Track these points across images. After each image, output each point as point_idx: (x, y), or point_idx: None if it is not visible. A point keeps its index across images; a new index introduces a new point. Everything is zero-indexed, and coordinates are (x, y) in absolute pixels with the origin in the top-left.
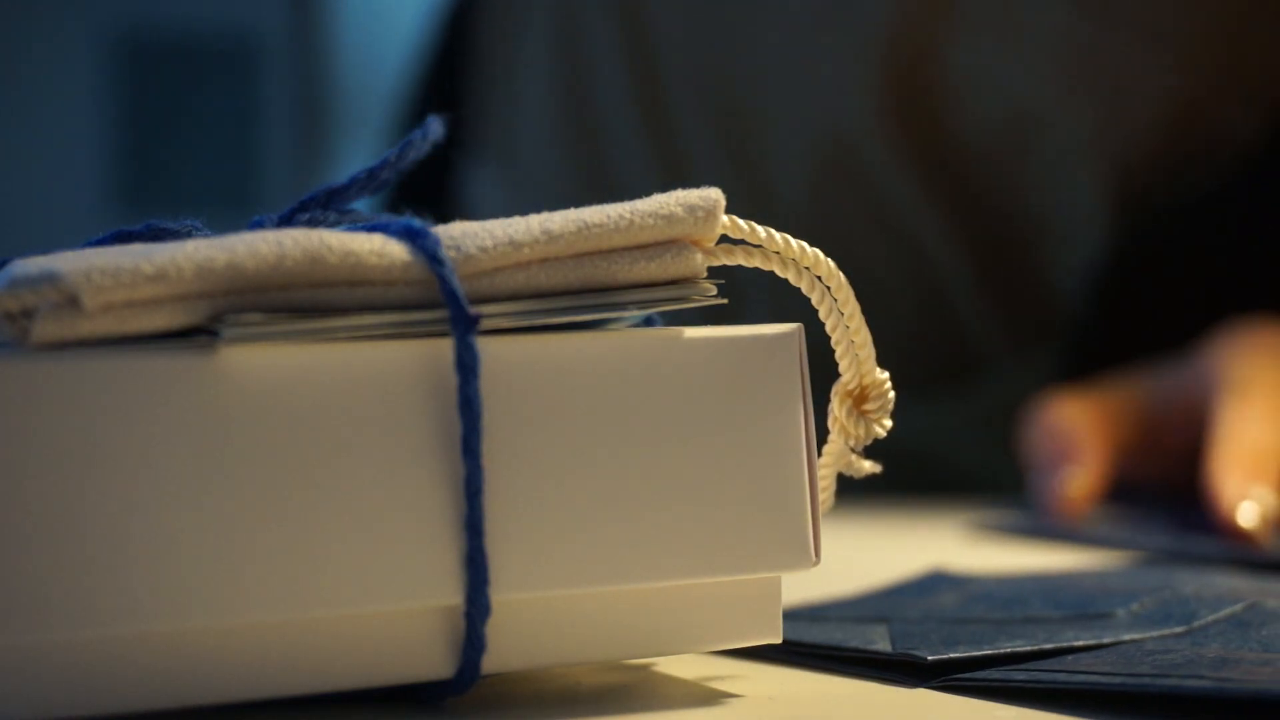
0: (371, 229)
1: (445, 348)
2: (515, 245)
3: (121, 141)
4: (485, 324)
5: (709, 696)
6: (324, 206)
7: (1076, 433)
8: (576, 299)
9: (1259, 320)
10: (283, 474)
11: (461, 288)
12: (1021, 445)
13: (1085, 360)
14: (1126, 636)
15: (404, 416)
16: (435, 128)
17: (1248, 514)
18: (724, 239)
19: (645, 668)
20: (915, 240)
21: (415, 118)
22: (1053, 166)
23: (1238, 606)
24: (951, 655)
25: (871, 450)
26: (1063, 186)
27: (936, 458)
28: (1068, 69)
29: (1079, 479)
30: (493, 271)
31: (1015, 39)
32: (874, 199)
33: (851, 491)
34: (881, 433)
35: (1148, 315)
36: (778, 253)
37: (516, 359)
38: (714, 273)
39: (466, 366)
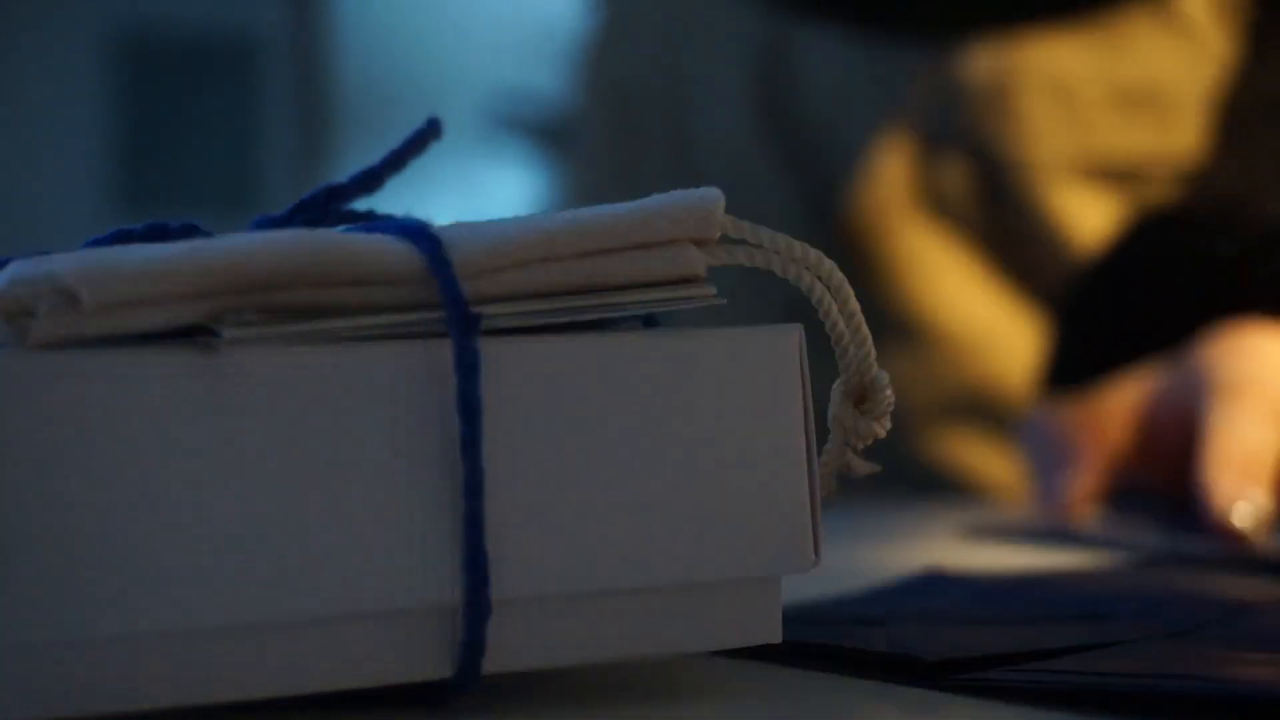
0: (371, 229)
1: (445, 348)
2: (515, 245)
3: (121, 142)
4: (485, 324)
5: (709, 696)
6: (324, 206)
7: (1071, 438)
8: (576, 299)
9: (1246, 322)
10: (282, 474)
11: (461, 288)
12: (1018, 451)
13: (1068, 369)
14: (1125, 637)
15: (404, 416)
16: (435, 127)
17: (1241, 515)
18: (724, 239)
19: (645, 668)
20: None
21: None
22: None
23: (1236, 607)
24: (951, 656)
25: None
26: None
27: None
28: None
29: (1075, 484)
30: (493, 271)
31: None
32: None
33: (849, 491)
34: (881, 433)
35: (1127, 327)
36: (778, 253)
37: (516, 359)
38: (714, 273)
39: (466, 366)
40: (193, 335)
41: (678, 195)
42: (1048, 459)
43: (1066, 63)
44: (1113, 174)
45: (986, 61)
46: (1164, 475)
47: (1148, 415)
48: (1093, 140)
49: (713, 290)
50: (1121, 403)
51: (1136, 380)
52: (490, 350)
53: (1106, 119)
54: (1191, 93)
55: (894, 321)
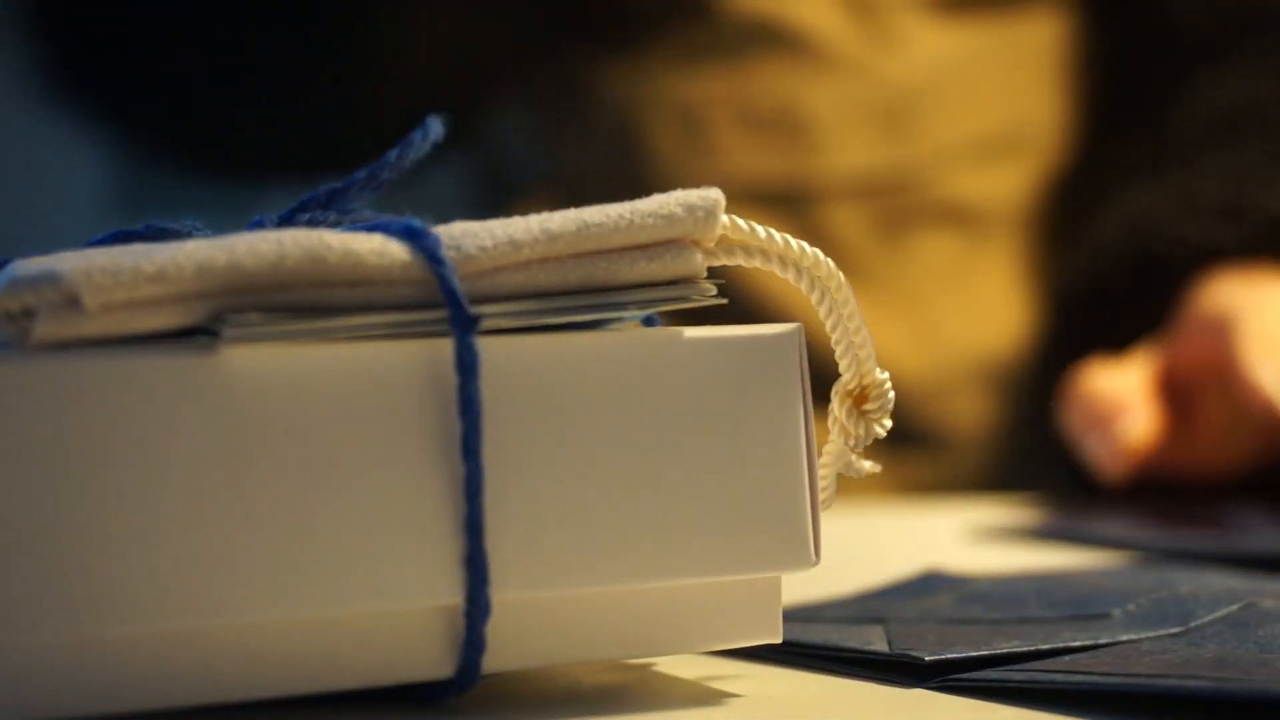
0: (371, 229)
1: (445, 348)
2: (515, 245)
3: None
4: (485, 324)
5: (709, 696)
6: (324, 206)
7: (1122, 390)
8: (576, 299)
9: (1231, 271)
10: (283, 474)
11: (461, 288)
12: (1062, 419)
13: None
14: (1123, 637)
15: (404, 416)
16: (435, 127)
17: None
18: (724, 239)
19: (645, 668)
20: None
21: None
22: None
23: (1234, 607)
24: (949, 656)
25: None
26: None
27: None
28: None
29: (1136, 427)
30: (493, 271)
31: None
32: None
33: (850, 490)
34: (881, 433)
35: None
36: (778, 253)
37: (516, 359)
38: (714, 273)
39: (466, 366)
40: (193, 335)
41: (678, 195)
42: (1098, 415)
43: (693, 92)
44: (757, 198)
45: (614, 98)
46: (1206, 456)
47: (1179, 382)
48: (727, 166)
49: (713, 290)
50: (1154, 374)
51: (1150, 352)
52: (490, 350)
53: (737, 144)
54: (827, 112)
55: None
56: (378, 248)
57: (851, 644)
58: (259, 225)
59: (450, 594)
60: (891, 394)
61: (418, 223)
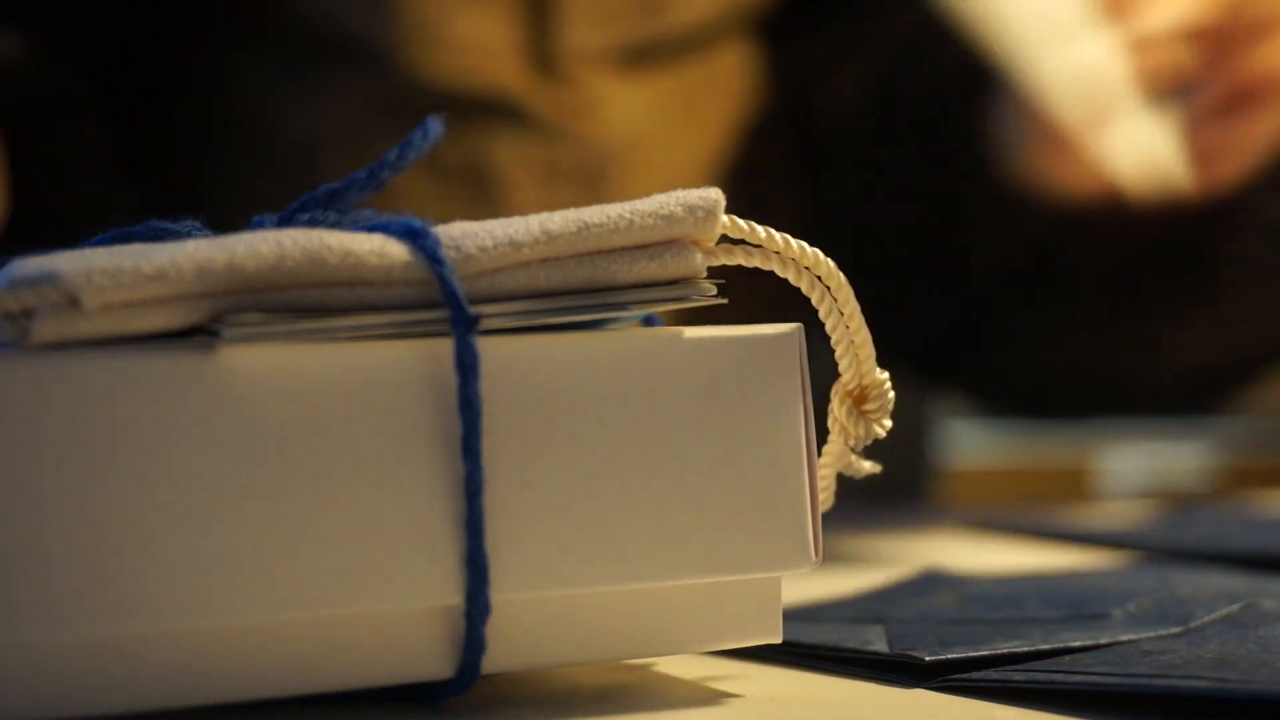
0: (371, 229)
1: (445, 348)
2: (515, 245)
3: None
4: (485, 324)
5: (709, 696)
6: (324, 206)
7: None
8: (576, 299)
9: None
10: (282, 474)
11: (461, 288)
12: None
13: None
14: (1123, 637)
15: (404, 416)
16: (435, 127)
17: None
18: (724, 239)
19: (645, 668)
20: None
21: None
22: None
23: (1234, 607)
24: (949, 656)
25: None
26: None
27: None
28: None
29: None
30: (493, 271)
31: None
32: None
33: (849, 490)
34: (881, 433)
35: None
36: (778, 253)
37: (516, 359)
38: (714, 273)
39: (466, 366)
40: (193, 335)
41: (678, 195)
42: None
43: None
44: None
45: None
46: None
47: None
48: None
49: (713, 290)
50: None
51: None
52: (490, 350)
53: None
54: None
55: None
56: (378, 248)
57: (851, 644)
58: (259, 225)
59: (450, 594)
60: (891, 394)
61: (418, 223)
